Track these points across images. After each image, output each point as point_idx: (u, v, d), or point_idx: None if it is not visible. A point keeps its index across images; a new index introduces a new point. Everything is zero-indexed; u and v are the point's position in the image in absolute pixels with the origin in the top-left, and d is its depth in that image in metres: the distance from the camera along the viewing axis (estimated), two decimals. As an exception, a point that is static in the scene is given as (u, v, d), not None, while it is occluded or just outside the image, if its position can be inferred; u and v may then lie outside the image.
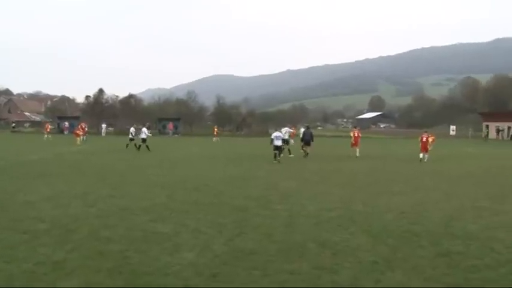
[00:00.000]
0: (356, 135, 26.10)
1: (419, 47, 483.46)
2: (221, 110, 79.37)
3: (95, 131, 58.62)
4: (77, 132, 37.60)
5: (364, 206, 10.08)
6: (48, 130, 46.67)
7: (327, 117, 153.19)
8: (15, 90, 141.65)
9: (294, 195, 11.49)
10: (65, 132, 57.72)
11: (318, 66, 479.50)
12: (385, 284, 5.24)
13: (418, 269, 5.72)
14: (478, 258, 6.25)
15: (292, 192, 12.01)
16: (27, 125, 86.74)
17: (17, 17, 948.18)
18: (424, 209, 9.81)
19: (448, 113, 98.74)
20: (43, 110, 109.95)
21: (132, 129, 30.29)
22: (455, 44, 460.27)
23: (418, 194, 11.97)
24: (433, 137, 23.68)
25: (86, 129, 42.75)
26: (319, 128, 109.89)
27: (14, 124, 66.67)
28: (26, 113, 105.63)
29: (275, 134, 21.91)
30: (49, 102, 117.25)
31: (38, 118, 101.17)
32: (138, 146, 27.81)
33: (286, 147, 25.17)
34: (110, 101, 77.14)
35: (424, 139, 22.99)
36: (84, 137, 39.23)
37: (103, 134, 57.90)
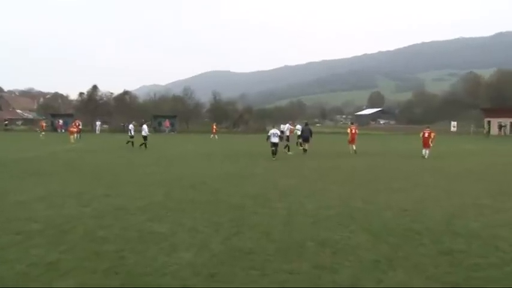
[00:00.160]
0: (353, 131, 25.95)
1: (419, 41, 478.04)
2: (217, 107, 78.74)
3: (89, 128, 58.24)
4: (71, 130, 37.33)
5: (364, 203, 9.98)
6: (43, 128, 46.44)
7: (325, 114, 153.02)
8: (6, 87, 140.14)
9: (292, 193, 11.36)
10: (59, 130, 57.45)
11: (315, 62, 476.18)
12: (387, 284, 5.14)
13: (420, 268, 5.63)
14: (481, 256, 6.15)
15: (291, 189, 11.88)
16: (19, 122, 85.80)
17: (5, 13, 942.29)
18: (424, 206, 9.71)
19: (450, 109, 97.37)
20: (35, 107, 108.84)
21: (131, 127, 30.03)
22: (457, 39, 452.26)
23: (418, 191, 11.86)
24: (433, 133, 23.56)
25: (80, 126, 42.45)
26: (317, 124, 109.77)
27: (6, 122, 65.90)
28: (18, 111, 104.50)
29: (272, 131, 21.81)
30: (42, 99, 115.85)
31: (30, 115, 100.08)
32: (140, 143, 27.53)
33: (287, 144, 25.10)
34: (104, 98, 75.71)
35: (426, 134, 22.84)
36: (79, 135, 38.95)
37: (97, 132, 57.28)
